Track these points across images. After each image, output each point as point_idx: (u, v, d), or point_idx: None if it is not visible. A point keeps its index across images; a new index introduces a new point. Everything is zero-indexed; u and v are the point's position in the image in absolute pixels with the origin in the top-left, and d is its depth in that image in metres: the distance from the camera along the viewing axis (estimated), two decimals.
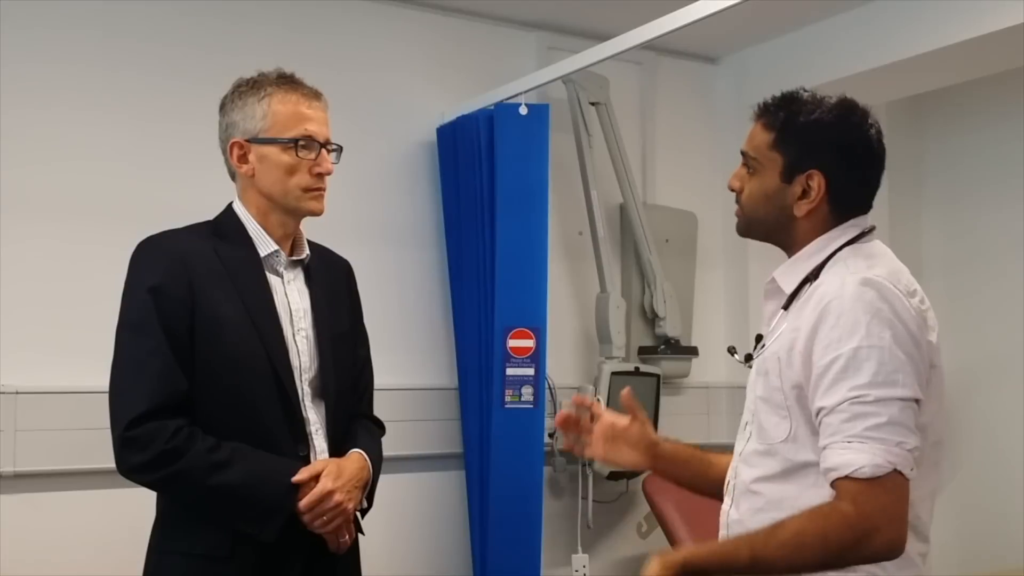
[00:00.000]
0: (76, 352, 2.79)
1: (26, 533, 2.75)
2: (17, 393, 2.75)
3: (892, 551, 1.54)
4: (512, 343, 3.20)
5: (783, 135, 1.72)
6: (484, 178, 3.27)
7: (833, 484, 1.55)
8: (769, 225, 1.77)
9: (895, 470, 1.51)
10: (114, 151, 2.97)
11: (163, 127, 3.02)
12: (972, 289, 4.09)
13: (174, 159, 3.02)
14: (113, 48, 2.99)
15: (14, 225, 2.81)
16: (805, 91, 1.76)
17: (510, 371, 3.19)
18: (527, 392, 3.20)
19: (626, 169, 3.67)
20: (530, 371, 3.20)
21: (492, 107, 3.28)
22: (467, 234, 3.34)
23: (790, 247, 1.77)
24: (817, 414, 1.59)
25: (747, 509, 1.70)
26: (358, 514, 2.04)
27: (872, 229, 1.75)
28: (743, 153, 1.79)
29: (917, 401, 1.56)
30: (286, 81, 2.01)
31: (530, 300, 3.21)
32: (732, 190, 1.81)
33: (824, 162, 1.70)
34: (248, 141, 1.98)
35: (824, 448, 1.57)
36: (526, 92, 3.22)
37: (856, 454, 1.52)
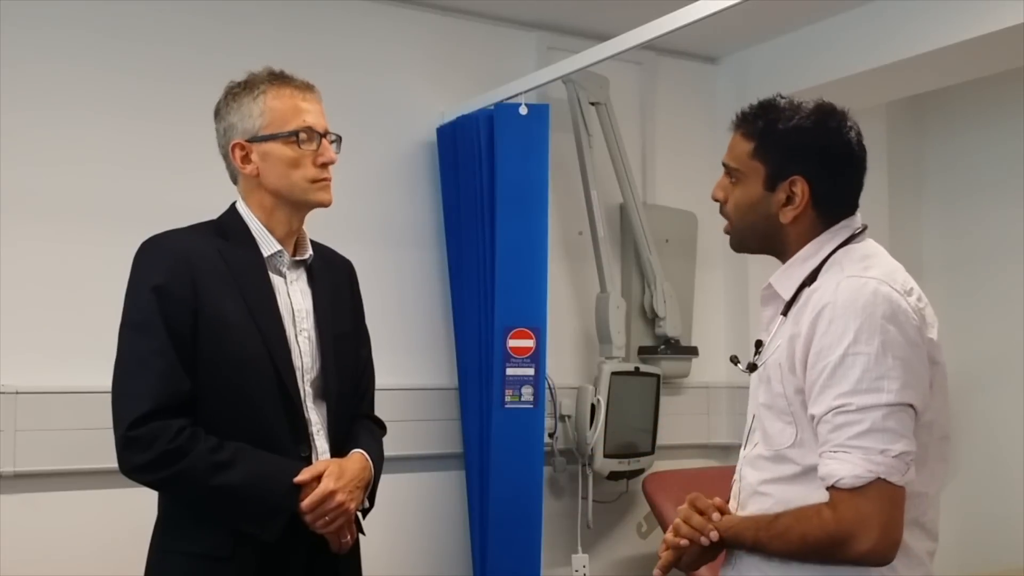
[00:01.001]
0: (76, 352, 2.80)
1: (26, 533, 2.74)
2: (17, 393, 2.74)
3: (877, 558, 1.54)
4: (512, 343, 3.20)
5: (763, 143, 1.73)
6: (484, 178, 3.26)
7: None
8: (758, 234, 1.78)
9: (879, 478, 1.52)
10: (114, 152, 2.96)
11: (164, 128, 3.02)
12: (972, 289, 4.09)
13: (175, 160, 3.02)
14: (113, 48, 2.99)
15: (14, 226, 2.81)
16: (782, 97, 1.77)
17: (510, 371, 3.19)
18: (527, 392, 3.20)
19: (626, 169, 3.67)
20: (530, 371, 3.20)
21: (492, 107, 3.27)
22: (467, 234, 3.34)
23: (782, 254, 1.78)
24: (812, 421, 1.61)
25: (755, 510, 1.70)
26: (359, 514, 2.04)
27: (864, 229, 1.75)
28: (724, 165, 1.80)
29: (912, 405, 1.56)
30: (277, 77, 2.01)
31: (530, 300, 3.21)
32: (716, 200, 1.82)
33: (806, 168, 1.70)
34: (249, 141, 1.98)
35: (820, 456, 1.59)
36: (526, 92, 3.22)
37: (840, 464, 1.54)
